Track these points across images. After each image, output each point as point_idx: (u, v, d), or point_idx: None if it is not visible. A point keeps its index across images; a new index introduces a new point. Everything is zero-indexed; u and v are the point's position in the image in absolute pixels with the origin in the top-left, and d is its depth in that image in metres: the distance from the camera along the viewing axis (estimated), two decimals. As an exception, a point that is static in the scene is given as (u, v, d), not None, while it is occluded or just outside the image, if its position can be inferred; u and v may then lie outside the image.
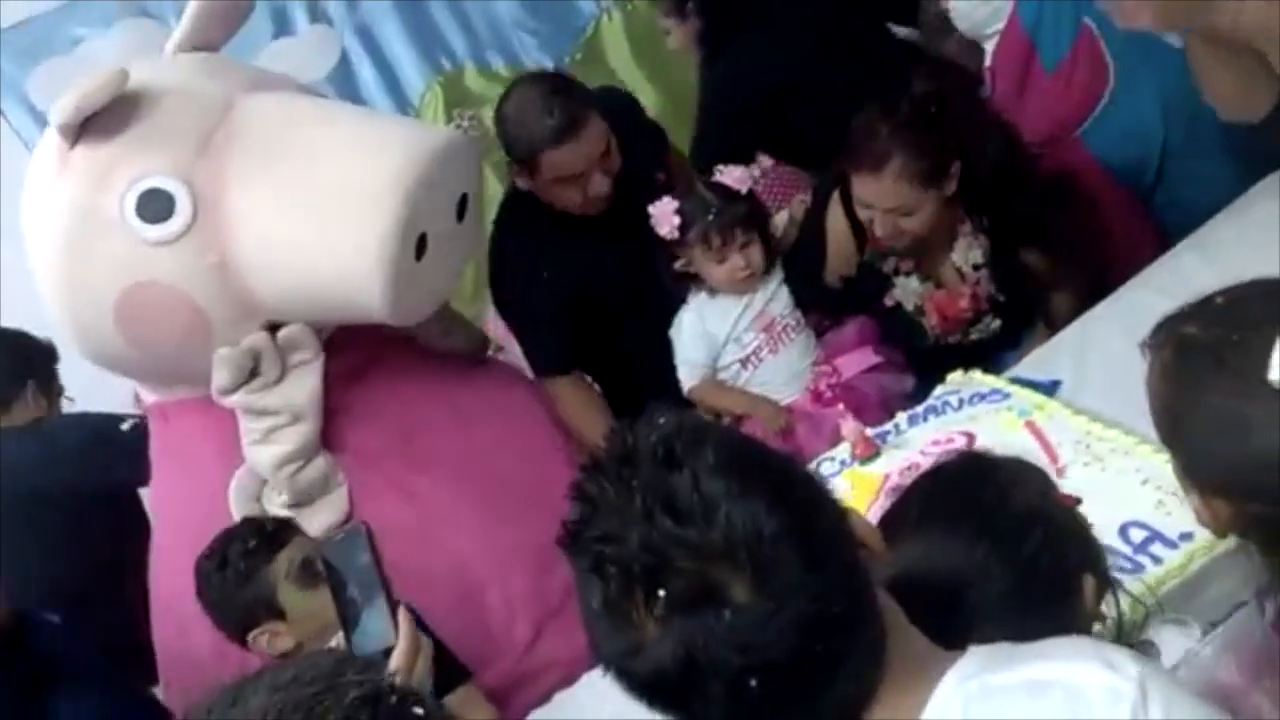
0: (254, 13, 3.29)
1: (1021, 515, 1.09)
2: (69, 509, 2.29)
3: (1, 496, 2.21)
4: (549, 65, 2.62)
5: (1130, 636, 1.20)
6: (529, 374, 2.48)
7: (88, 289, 1.86)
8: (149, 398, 2.12)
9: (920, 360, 2.28)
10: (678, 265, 2.21)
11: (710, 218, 2.13)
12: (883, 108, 2.02)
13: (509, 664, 1.97)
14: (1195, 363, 1.05)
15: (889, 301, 2.25)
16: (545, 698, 1.92)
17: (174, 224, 1.80)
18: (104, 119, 1.81)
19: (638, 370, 2.35)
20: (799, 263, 2.28)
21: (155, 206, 1.80)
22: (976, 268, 2.18)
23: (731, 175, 2.18)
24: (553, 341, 2.37)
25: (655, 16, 3.64)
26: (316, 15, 3.44)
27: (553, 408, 2.33)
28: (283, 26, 3.41)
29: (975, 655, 0.89)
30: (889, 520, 1.15)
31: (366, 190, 1.77)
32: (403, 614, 1.40)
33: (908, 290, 2.23)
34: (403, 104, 3.56)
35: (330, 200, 1.80)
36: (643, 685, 0.83)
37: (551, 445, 2.21)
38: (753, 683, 0.79)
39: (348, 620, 1.39)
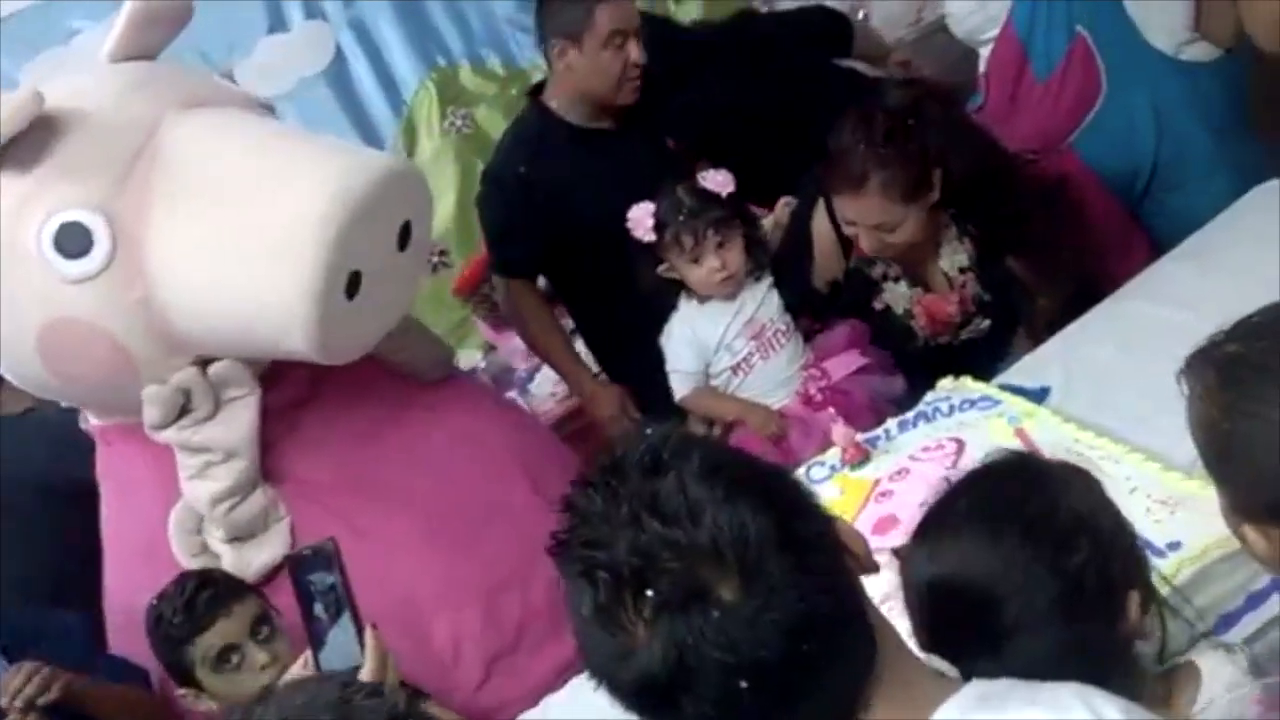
0: (249, 8, 3.35)
1: (1069, 525, 1.07)
2: (70, 499, 2.26)
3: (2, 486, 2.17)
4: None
5: (1172, 657, 1.17)
6: (493, 392, 2.53)
7: (10, 323, 1.78)
8: (91, 420, 2.05)
9: (911, 362, 2.28)
10: (660, 269, 2.20)
11: (682, 219, 2.13)
12: (857, 125, 2.00)
13: (457, 705, 1.91)
14: (1244, 379, 1.00)
15: (878, 305, 2.25)
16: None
17: (92, 260, 1.71)
18: (22, 146, 1.70)
19: (623, 311, 2.41)
20: (786, 268, 2.28)
21: (73, 241, 1.70)
22: (962, 270, 2.18)
23: (714, 179, 2.18)
24: (523, 243, 2.50)
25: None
26: (311, 11, 3.42)
27: (519, 428, 2.32)
28: (277, 22, 3.39)
29: (972, 690, 0.89)
30: (933, 516, 1.13)
31: (290, 230, 1.65)
32: (370, 633, 1.40)
33: (896, 294, 2.23)
34: (396, 101, 3.55)
35: (253, 238, 1.68)
36: (633, 690, 0.83)
37: (512, 472, 2.11)
38: (742, 683, 0.79)
39: (315, 638, 1.40)
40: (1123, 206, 2.37)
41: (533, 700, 1.89)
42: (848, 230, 2.12)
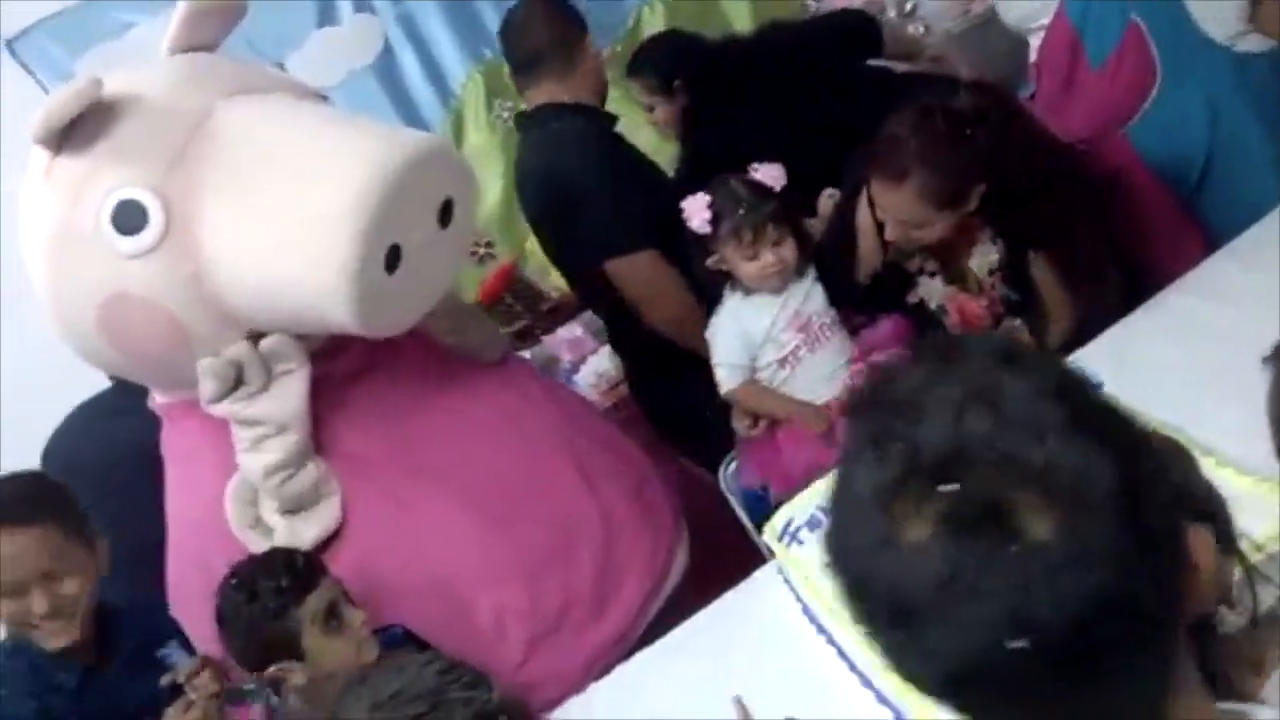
0: (299, 2, 3.38)
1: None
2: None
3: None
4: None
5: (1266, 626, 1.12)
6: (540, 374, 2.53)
7: (70, 298, 1.85)
8: (156, 398, 2.10)
9: None
10: (710, 261, 2.19)
11: (742, 213, 2.12)
12: (917, 118, 1.97)
13: (501, 681, 1.94)
14: None
15: (912, 299, 2.24)
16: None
17: (147, 236, 1.77)
18: (82, 130, 1.78)
19: None
20: (829, 258, 2.27)
21: (129, 218, 1.77)
22: (991, 272, 2.16)
23: (767, 173, 2.17)
24: (641, 211, 2.41)
25: (697, 6, 3.67)
26: (360, 5, 3.45)
27: (566, 409, 2.30)
28: (327, 16, 3.42)
29: None
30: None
31: (329, 204, 1.72)
32: None
33: (931, 290, 2.21)
34: (444, 93, 3.57)
35: (295, 213, 1.75)
36: (882, 592, 0.70)
37: (557, 454, 2.13)
38: (1011, 640, 0.65)
39: None
40: (1176, 199, 2.34)
41: (574, 680, 1.92)
42: (878, 214, 2.11)
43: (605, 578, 2.06)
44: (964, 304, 2.19)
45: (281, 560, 1.74)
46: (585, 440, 2.21)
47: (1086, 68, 2.36)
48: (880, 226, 2.17)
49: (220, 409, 1.89)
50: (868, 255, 2.25)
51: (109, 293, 1.80)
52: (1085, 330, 2.07)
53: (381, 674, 0.75)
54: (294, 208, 1.74)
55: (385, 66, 3.51)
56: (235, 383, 1.88)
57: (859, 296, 2.31)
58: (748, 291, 2.21)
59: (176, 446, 2.09)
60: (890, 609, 0.70)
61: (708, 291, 2.27)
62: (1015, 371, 0.70)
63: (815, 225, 2.35)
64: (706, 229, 2.14)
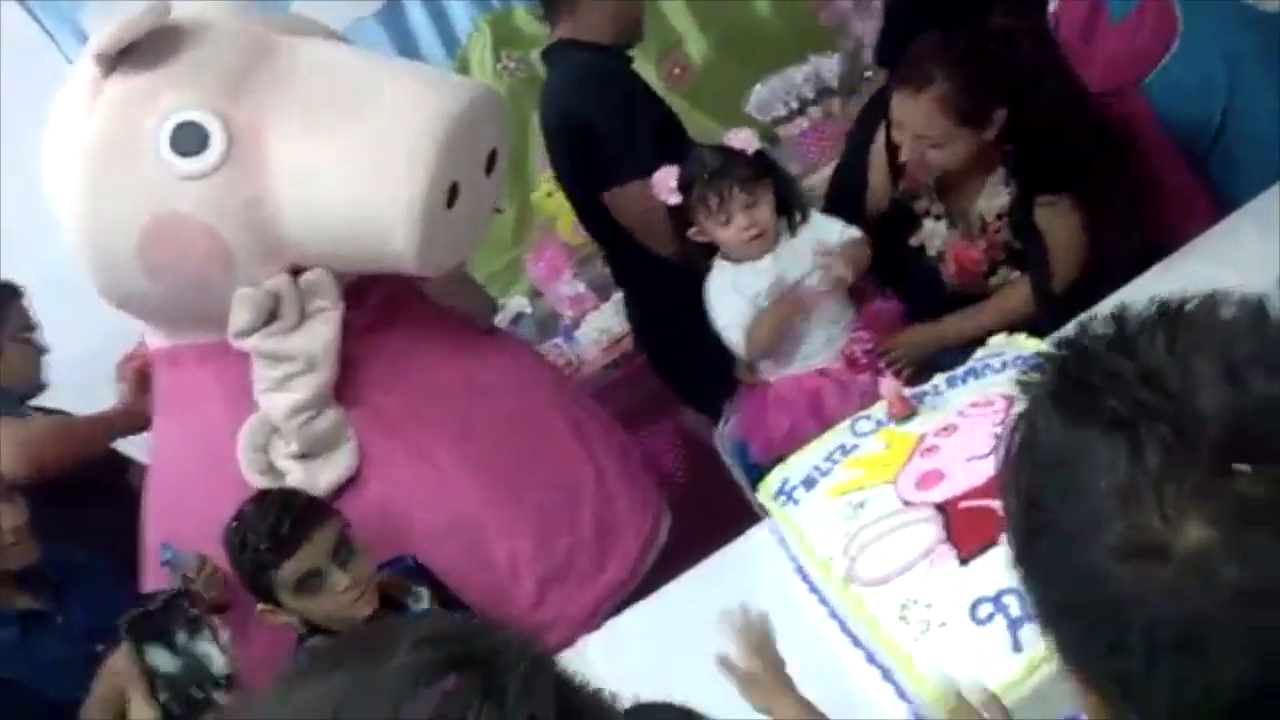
0: (305, -53, 3.32)
1: None
2: None
3: None
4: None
5: None
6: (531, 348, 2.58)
7: (113, 218, 1.85)
8: (156, 342, 2.10)
9: (937, 313, 2.26)
10: (691, 233, 2.16)
11: (707, 177, 2.09)
12: (944, 34, 1.97)
13: (515, 619, 1.98)
14: None
15: (914, 242, 2.22)
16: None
17: (207, 158, 1.80)
18: (141, 52, 1.81)
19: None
20: (839, 194, 2.25)
21: (189, 140, 1.80)
22: (999, 216, 2.14)
23: (738, 138, 2.14)
24: (632, 147, 2.41)
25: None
26: (367, -49, 3.41)
27: (557, 381, 2.42)
28: (332, -40, 3.38)
29: None
30: None
31: (405, 137, 1.79)
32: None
33: (933, 233, 2.19)
34: (451, 43, 3.53)
35: (369, 145, 1.81)
36: (1148, 615, 0.57)
37: (554, 419, 2.21)
38: None
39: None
40: (1189, 160, 2.30)
41: (580, 623, 1.97)
42: (895, 135, 2.08)
43: (604, 528, 2.13)
44: (961, 252, 2.18)
45: (267, 515, 1.74)
46: (574, 404, 2.31)
47: (1107, 21, 2.32)
48: (894, 157, 2.14)
49: (249, 342, 1.91)
50: (877, 191, 2.21)
51: (158, 212, 1.83)
52: (1091, 290, 2.04)
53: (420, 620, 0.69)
54: (367, 139, 1.80)
55: (391, 15, 3.48)
56: (268, 318, 1.90)
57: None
58: (736, 261, 2.17)
59: (178, 395, 2.10)
60: (1159, 636, 0.56)
61: (696, 265, 2.22)
62: (1268, 322, 0.59)
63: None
64: (677, 199, 2.12)
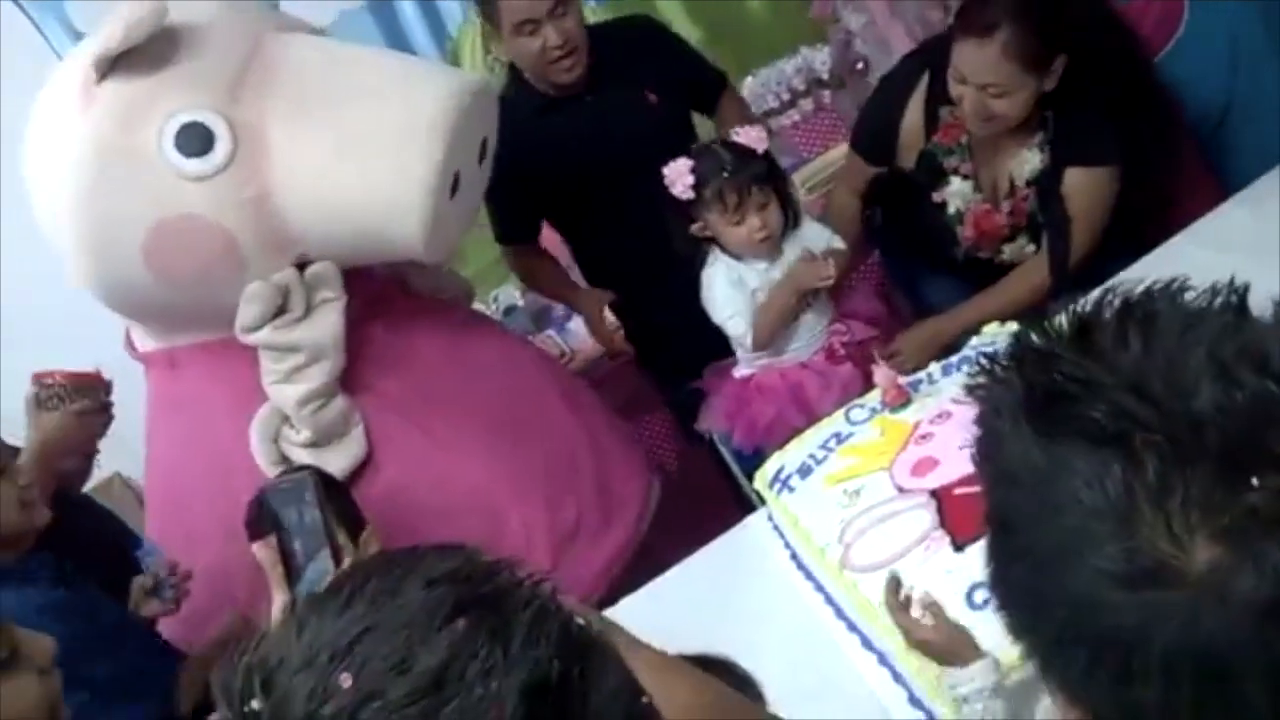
0: (296, -62, 3.31)
1: None
2: None
3: None
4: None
5: None
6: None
7: (116, 223, 1.83)
8: (150, 345, 2.07)
9: (945, 269, 2.27)
10: (694, 229, 2.11)
11: (726, 175, 2.04)
12: None
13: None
14: None
15: (937, 198, 2.19)
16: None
17: (215, 158, 1.80)
18: (136, 54, 1.79)
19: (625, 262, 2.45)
20: (870, 137, 2.25)
21: (194, 141, 1.80)
22: (1029, 182, 2.11)
23: (749, 135, 2.08)
24: (512, 212, 2.46)
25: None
26: (357, -58, 3.39)
27: (545, 357, 2.47)
28: (320, -49, 3.36)
29: None
30: None
31: (412, 127, 1.82)
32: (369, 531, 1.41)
33: (957, 192, 2.17)
34: (440, 35, 3.50)
35: (374, 136, 1.83)
36: (1162, 646, 0.51)
37: (549, 391, 2.26)
38: None
39: (291, 572, 1.37)
40: (1194, 142, 2.29)
41: (591, 585, 2.06)
42: (955, 90, 2.02)
43: (604, 487, 2.20)
44: (982, 216, 2.16)
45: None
46: (566, 381, 2.39)
47: (1115, 3, 2.30)
48: (927, 123, 2.13)
49: (258, 336, 1.90)
50: (907, 154, 2.19)
51: (166, 214, 1.81)
52: (1091, 272, 2.03)
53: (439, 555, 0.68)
54: (373, 131, 1.83)
55: (379, 6, 3.44)
56: (277, 311, 1.90)
57: (885, 191, 2.29)
58: (737, 259, 2.13)
59: (179, 398, 2.09)
60: (1178, 665, 0.52)
61: (687, 259, 2.17)
62: (1250, 321, 0.55)
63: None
64: (689, 194, 2.06)
